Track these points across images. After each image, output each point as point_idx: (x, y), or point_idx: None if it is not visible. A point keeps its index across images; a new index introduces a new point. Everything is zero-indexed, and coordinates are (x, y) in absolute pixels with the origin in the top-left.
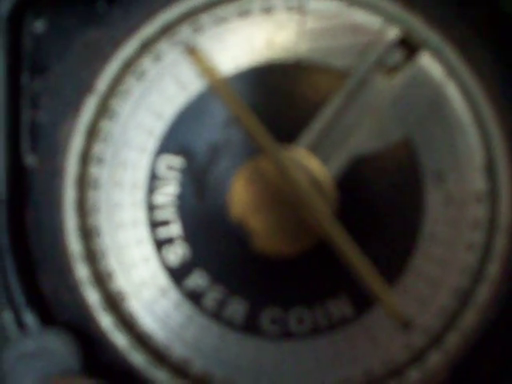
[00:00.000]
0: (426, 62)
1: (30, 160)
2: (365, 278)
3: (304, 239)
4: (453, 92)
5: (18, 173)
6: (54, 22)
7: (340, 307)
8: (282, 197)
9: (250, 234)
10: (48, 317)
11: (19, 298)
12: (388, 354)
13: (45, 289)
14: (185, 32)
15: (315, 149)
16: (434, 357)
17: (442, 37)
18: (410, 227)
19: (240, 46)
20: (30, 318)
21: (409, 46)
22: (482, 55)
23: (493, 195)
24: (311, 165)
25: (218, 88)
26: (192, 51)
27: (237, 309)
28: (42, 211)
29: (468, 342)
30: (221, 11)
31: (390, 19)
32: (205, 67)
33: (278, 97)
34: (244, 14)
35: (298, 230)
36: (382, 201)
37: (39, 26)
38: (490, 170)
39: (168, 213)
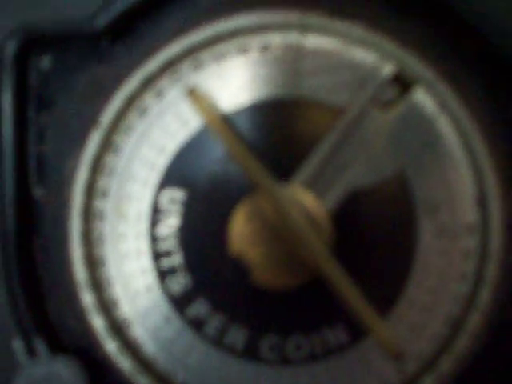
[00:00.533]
0: (420, 97)
1: (37, 192)
2: (358, 310)
3: (300, 273)
4: (445, 126)
5: (26, 204)
6: (59, 59)
7: (336, 335)
8: (278, 232)
9: (249, 267)
10: (56, 343)
11: (29, 325)
12: (382, 379)
13: (53, 316)
14: (185, 69)
15: (311, 184)
16: (428, 382)
17: (435, 73)
18: (404, 258)
19: (239, 82)
20: (39, 345)
21: (403, 82)
22: (474, 90)
23: (484, 226)
24: (307, 200)
25: (215, 126)
26: (191, 91)
27: (237, 336)
28: (50, 241)
29: (460, 366)
30: (220, 48)
31: (384, 56)
32: (203, 106)
33: (275, 133)
34: (243, 51)
35: (295, 265)
36: (377, 233)
37: (45, 62)
38: (482, 202)
39: (171, 244)
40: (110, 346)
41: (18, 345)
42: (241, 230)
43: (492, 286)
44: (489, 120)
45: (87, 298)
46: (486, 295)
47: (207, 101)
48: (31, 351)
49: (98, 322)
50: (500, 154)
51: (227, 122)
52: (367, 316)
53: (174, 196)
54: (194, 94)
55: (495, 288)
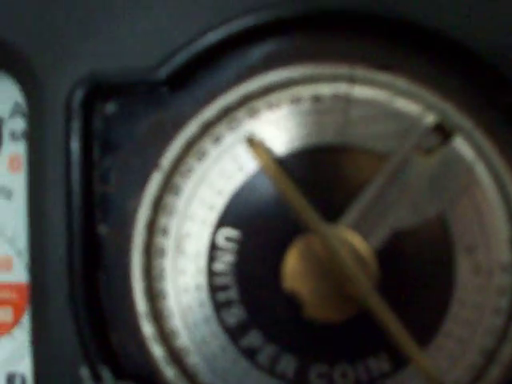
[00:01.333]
0: (459, 145)
1: (102, 229)
2: (400, 342)
3: (348, 308)
4: (482, 172)
5: (91, 241)
6: (123, 105)
7: (379, 364)
8: (328, 270)
9: (301, 302)
10: (119, 370)
11: (94, 353)
12: None
13: (116, 345)
14: (242, 116)
15: (358, 225)
16: None
17: (473, 122)
18: (442, 293)
19: (291, 129)
20: (104, 372)
21: (444, 131)
22: (510, 138)
23: None
24: (354, 240)
25: (269, 170)
26: (249, 138)
27: (288, 365)
28: (113, 275)
29: None
30: (274, 98)
31: (427, 106)
32: (259, 151)
33: (325, 177)
34: (295, 100)
35: (343, 300)
36: (418, 270)
37: (110, 108)
38: None
39: (227, 279)
40: (169, 373)
41: (84, 372)
42: (294, 268)
43: None
44: None
45: (148, 329)
46: None
47: (263, 146)
48: (97, 378)
49: (157, 351)
50: None
51: (281, 166)
52: (409, 347)
53: (230, 235)
54: (251, 141)
55: None
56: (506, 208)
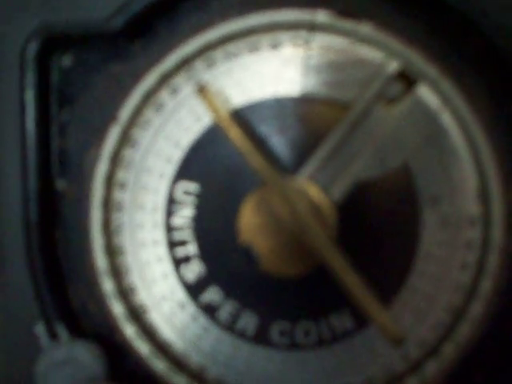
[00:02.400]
0: (423, 93)
1: (59, 185)
2: (359, 299)
3: (306, 262)
4: (448, 121)
5: (48, 196)
6: (79, 58)
7: (342, 321)
8: (284, 223)
9: (258, 256)
10: (77, 328)
11: (51, 310)
12: (387, 364)
13: (74, 302)
14: (199, 67)
15: (318, 177)
16: (431, 367)
17: (438, 70)
18: (407, 248)
19: (249, 80)
20: (60, 329)
21: (408, 79)
22: (477, 87)
23: (486, 218)
24: (313, 193)
25: (222, 122)
26: (201, 88)
27: (248, 322)
28: (72, 231)
29: (462, 353)
30: (232, 47)
31: (390, 54)
32: (212, 103)
33: (284, 128)
34: (253, 49)
35: (301, 254)
36: (381, 224)
37: (66, 61)
38: (483, 195)
39: (185, 234)
40: (128, 331)
41: (40, 329)
42: (249, 221)
43: (493, 275)
44: (491, 115)
45: (107, 285)
46: (487, 284)
47: (216, 97)
48: (53, 335)
49: (117, 308)
50: (501, 148)
51: (236, 117)
52: (367, 303)
53: (188, 188)
54: (204, 91)
55: (496, 277)
56: (474, 159)
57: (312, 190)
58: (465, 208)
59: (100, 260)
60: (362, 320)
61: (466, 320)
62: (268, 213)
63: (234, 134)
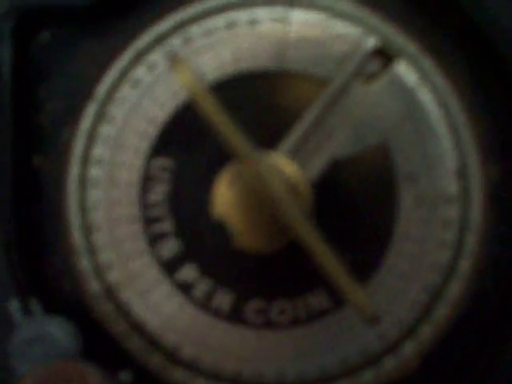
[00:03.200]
0: (402, 69)
1: (36, 161)
2: (334, 277)
3: (281, 239)
4: (427, 98)
5: (24, 172)
6: (56, 34)
7: (318, 300)
8: (258, 199)
9: (232, 232)
10: (52, 305)
11: (26, 287)
12: (363, 344)
13: (49, 279)
14: (175, 43)
15: (294, 154)
16: (408, 347)
17: (417, 46)
18: (384, 226)
19: (226, 56)
20: (34, 305)
21: (386, 55)
22: (456, 64)
23: (464, 197)
24: (288, 169)
25: (196, 96)
26: (175, 63)
27: (223, 300)
28: (48, 207)
29: (440, 333)
30: (209, 23)
31: (368, 29)
32: (185, 77)
33: (261, 104)
34: (231, 25)
35: (275, 231)
36: (358, 201)
37: (44, 37)
38: (462, 173)
39: (161, 210)
40: (104, 308)
41: (14, 305)
42: (223, 197)
43: (471, 254)
44: (470, 92)
45: (83, 262)
46: (465, 264)
47: (190, 72)
48: (27, 311)
49: (92, 286)
50: (480, 125)
51: (212, 93)
52: (343, 281)
53: (164, 164)
54: (177, 65)
55: (474, 257)
56: (452, 136)
57: (288, 166)
58: (443, 186)
59: (76, 237)
60: (338, 299)
61: (444, 300)
62: (242, 189)
63: (209, 108)
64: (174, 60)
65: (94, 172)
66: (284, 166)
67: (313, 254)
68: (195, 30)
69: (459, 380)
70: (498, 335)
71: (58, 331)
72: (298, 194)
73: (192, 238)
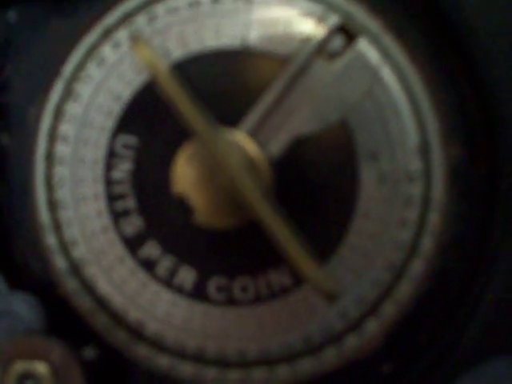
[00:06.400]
0: (364, 47)
1: (3, 139)
2: (292, 254)
3: (241, 216)
4: (388, 76)
5: None
6: (23, 13)
7: (280, 278)
8: (216, 176)
9: (193, 208)
10: (17, 281)
11: None
12: (325, 322)
13: (15, 256)
14: (140, 21)
15: (255, 132)
16: (370, 325)
17: (379, 24)
18: (345, 204)
19: (190, 34)
20: (0, 282)
21: (348, 33)
22: (417, 42)
23: (426, 174)
24: (248, 147)
25: (156, 74)
26: (136, 41)
27: (186, 277)
28: (15, 185)
29: (402, 311)
30: (173, 2)
31: (330, 8)
32: (145, 55)
33: (222, 82)
34: (194, 4)
35: (235, 208)
36: (318, 179)
37: (11, 15)
38: (424, 150)
39: (124, 188)
40: (68, 285)
41: None
42: (183, 173)
43: (434, 233)
44: (431, 70)
45: (49, 239)
46: (427, 242)
47: (151, 51)
48: None
49: (58, 262)
50: (442, 103)
51: (171, 71)
52: (300, 259)
53: (128, 141)
54: (138, 45)
55: (437, 235)
56: (414, 114)
57: (249, 144)
58: (404, 164)
59: (43, 214)
60: (299, 277)
61: (406, 278)
62: (201, 165)
63: (168, 87)
64: (135, 39)
65: (60, 149)
66: (244, 143)
67: (271, 232)
68: (159, 8)
69: (422, 358)
70: (461, 313)
71: (22, 306)
72: (257, 172)
73: (154, 215)
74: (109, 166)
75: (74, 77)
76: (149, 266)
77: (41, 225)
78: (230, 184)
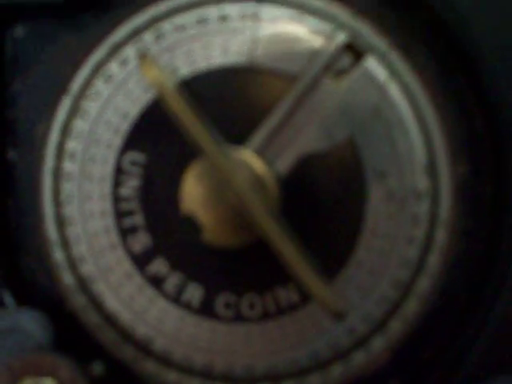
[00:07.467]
0: (371, 65)
1: (11, 155)
2: (299, 272)
3: (249, 234)
4: (396, 94)
5: (0, 166)
6: (32, 28)
7: (288, 294)
8: (225, 195)
9: (201, 226)
10: (25, 297)
11: None
12: (332, 338)
13: (23, 271)
14: (148, 39)
15: (263, 150)
16: (377, 342)
17: (387, 42)
18: (353, 222)
19: (197, 51)
20: (8, 298)
21: (355, 51)
22: (425, 60)
23: (433, 192)
24: (256, 166)
25: (163, 92)
26: (144, 59)
27: (194, 294)
28: (23, 201)
29: (409, 328)
30: (180, 19)
31: (338, 26)
32: (152, 73)
33: (231, 100)
34: (202, 21)
35: (243, 226)
36: (326, 197)
37: (19, 31)
38: (431, 168)
39: (132, 204)
40: (76, 301)
41: None
42: (192, 191)
43: (441, 250)
44: (439, 89)
45: (57, 255)
46: (434, 259)
47: (158, 69)
48: (0, 303)
49: (66, 278)
50: (449, 121)
51: (179, 89)
52: (308, 277)
53: (136, 159)
54: (146, 63)
55: (444, 252)
56: (421, 132)
57: (256, 162)
58: (412, 182)
59: (50, 230)
60: (306, 294)
61: (413, 295)
62: (209, 184)
63: (175, 106)
64: (142, 56)
65: (68, 166)
66: (252, 162)
67: (278, 250)
68: (167, 26)
69: (428, 375)
70: (467, 330)
71: (31, 323)
72: (265, 190)
73: (162, 232)
74: (116, 183)
75: (82, 94)
76: (157, 282)
77: (48, 241)
78: (238, 202)
